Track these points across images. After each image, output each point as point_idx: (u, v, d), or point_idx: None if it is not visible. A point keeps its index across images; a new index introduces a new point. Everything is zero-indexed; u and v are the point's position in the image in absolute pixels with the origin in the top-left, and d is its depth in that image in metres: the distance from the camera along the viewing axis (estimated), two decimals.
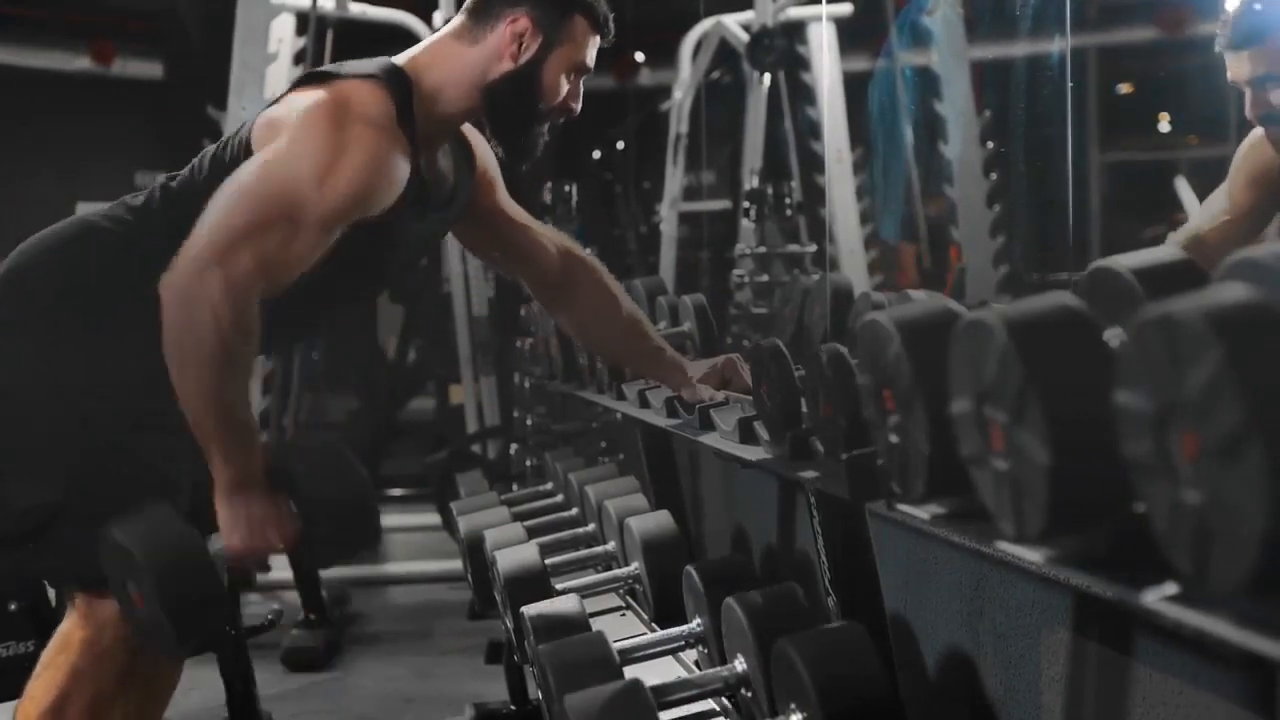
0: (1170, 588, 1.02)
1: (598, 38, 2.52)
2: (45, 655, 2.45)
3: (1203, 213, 2.76)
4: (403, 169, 2.33)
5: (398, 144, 2.32)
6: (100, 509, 2.26)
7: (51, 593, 3.15)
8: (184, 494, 2.45)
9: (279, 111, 2.35)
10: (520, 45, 2.42)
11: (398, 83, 2.37)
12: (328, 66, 2.43)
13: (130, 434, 2.34)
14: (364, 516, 2.36)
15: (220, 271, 2.14)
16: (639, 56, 10.04)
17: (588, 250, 2.91)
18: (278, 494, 2.28)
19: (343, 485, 2.35)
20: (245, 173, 2.26)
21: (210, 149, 2.45)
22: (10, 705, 2.66)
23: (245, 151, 2.35)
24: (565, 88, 2.48)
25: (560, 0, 2.45)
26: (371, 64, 2.40)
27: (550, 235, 2.79)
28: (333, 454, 2.41)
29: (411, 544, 6.96)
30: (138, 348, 2.26)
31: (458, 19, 2.49)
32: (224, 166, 2.35)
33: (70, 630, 2.42)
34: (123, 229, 2.44)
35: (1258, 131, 2.67)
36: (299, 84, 2.38)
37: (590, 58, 2.51)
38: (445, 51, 2.45)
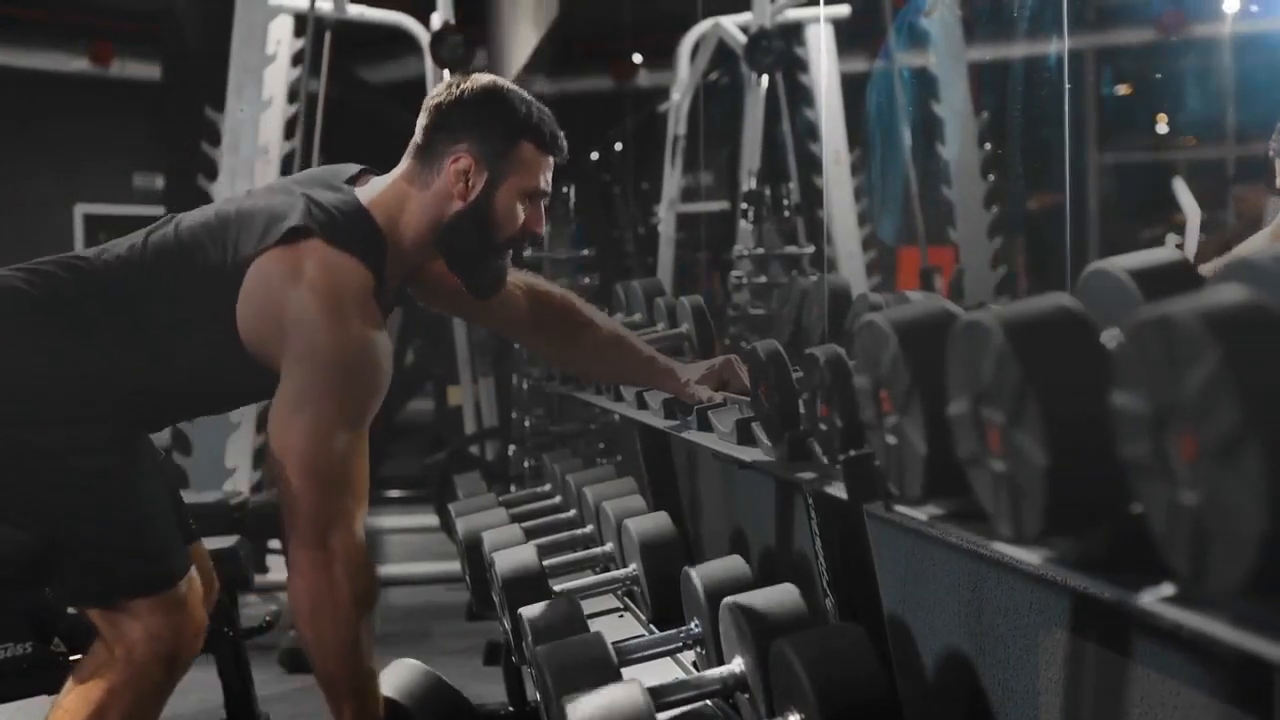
0: (1168, 589, 1.02)
1: (550, 158, 2.49)
2: (77, 673, 2.45)
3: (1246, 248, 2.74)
4: (380, 323, 2.37)
5: (378, 313, 2.36)
6: (84, 533, 2.34)
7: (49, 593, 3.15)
8: (162, 486, 2.48)
9: (271, 296, 2.33)
10: (467, 183, 2.42)
11: (372, 244, 2.39)
12: (311, 224, 2.36)
13: (88, 457, 2.34)
14: None
15: (341, 528, 2.30)
16: (637, 58, 10.04)
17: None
18: None
19: None
20: (297, 439, 2.30)
21: (180, 226, 2.44)
22: (10, 706, 2.66)
23: (239, 272, 2.35)
24: (522, 215, 2.46)
25: (501, 132, 2.43)
26: (347, 223, 2.38)
27: (514, 279, 2.76)
28: (449, 697, 2.53)
29: (409, 545, 6.96)
30: (70, 368, 2.33)
31: (405, 161, 2.48)
32: (206, 275, 2.38)
33: (102, 655, 2.43)
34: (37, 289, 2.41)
35: None
36: (285, 237, 2.35)
37: (544, 180, 2.48)
38: (402, 196, 2.45)
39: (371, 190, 2.46)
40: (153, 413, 2.49)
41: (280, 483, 2.31)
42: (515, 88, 2.49)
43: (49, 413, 2.32)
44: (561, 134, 2.50)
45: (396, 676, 2.83)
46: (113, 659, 2.39)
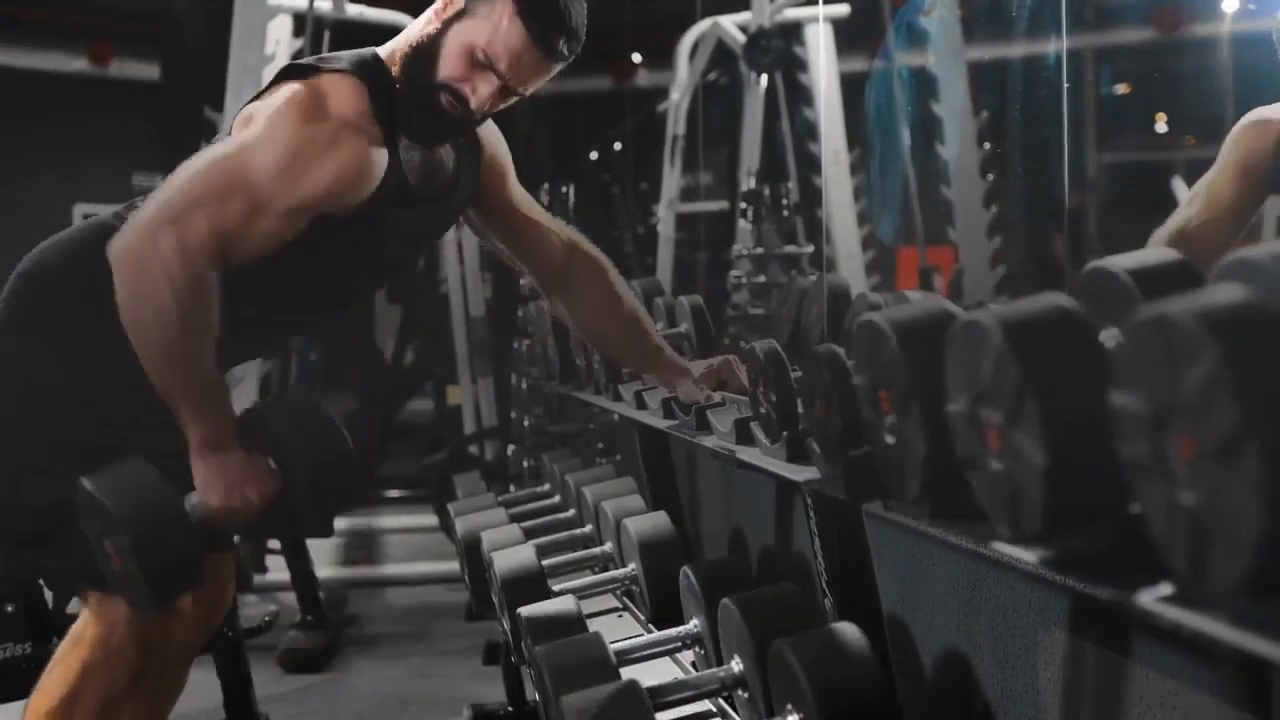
0: (1166, 589, 1.02)
1: (534, 49, 2.29)
2: (58, 652, 2.45)
3: (1186, 207, 2.71)
4: (374, 164, 2.30)
5: (368, 138, 2.28)
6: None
7: (49, 595, 3.15)
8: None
9: (256, 105, 2.33)
10: (445, 5, 2.33)
11: (374, 74, 2.33)
12: (310, 59, 2.37)
13: (141, 432, 2.33)
14: (343, 470, 2.33)
15: (172, 231, 2.14)
16: (636, 58, 10.04)
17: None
18: (255, 452, 2.26)
19: (320, 440, 2.32)
20: (210, 151, 2.27)
21: None
22: (9, 706, 2.67)
23: None
24: (459, 66, 2.29)
25: None
26: (350, 56, 2.36)
27: (558, 229, 2.74)
28: (309, 409, 2.38)
29: (409, 545, 6.96)
30: None
31: None
32: None
33: (82, 627, 2.43)
34: None
35: (1249, 117, 2.64)
36: (280, 76, 2.35)
37: (507, 59, 2.28)
38: (419, 24, 2.39)
39: (392, 42, 2.43)
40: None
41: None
42: None
43: (114, 379, 2.29)
44: (563, 42, 2.30)
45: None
46: (90, 638, 2.39)
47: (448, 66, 2.30)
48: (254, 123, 2.27)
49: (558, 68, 2.36)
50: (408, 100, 2.34)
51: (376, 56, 2.37)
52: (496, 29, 2.27)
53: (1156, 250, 1.45)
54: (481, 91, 2.30)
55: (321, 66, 2.33)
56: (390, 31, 2.49)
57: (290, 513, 2.33)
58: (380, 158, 2.31)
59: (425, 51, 2.32)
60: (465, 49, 2.29)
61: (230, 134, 2.37)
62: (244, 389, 5.80)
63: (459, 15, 2.30)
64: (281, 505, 2.29)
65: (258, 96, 2.36)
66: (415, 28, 2.37)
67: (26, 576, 2.92)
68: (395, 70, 2.35)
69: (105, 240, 2.31)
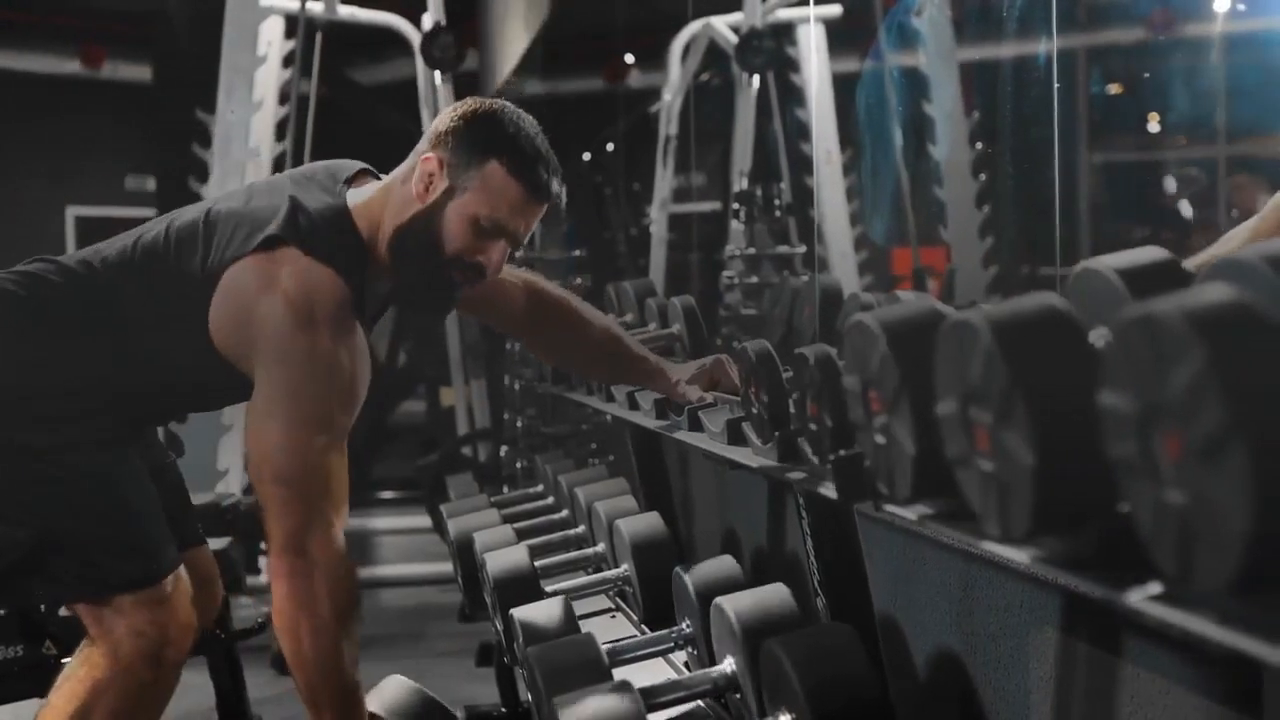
0: (1155, 587, 1.03)
1: (530, 198, 2.35)
2: (67, 668, 2.45)
3: (1226, 243, 2.71)
4: (358, 335, 2.34)
5: (354, 324, 2.32)
6: (71, 528, 2.34)
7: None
8: (149, 484, 2.47)
9: (243, 301, 2.31)
10: (428, 187, 2.35)
11: (351, 252, 2.35)
12: (278, 229, 2.33)
13: (75, 454, 2.34)
14: None
15: (316, 541, 2.24)
16: (628, 58, 10.04)
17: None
18: None
19: None
20: (270, 447, 2.26)
21: (171, 227, 2.43)
22: (2, 709, 2.66)
23: (211, 284, 2.34)
24: (467, 239, 2.35)
25: (474, 144, 2.34)
26: (329, 231, 2.35)
27: (513, 277, 2.74)
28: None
29: (402, 546, 6.95)
30: (80, 374, 2.35)
31: (405, 162, 2.44)
32: (192, 279, 2.36)
33: (89, 647, 2.43)
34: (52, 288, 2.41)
35: None
36: (262, 245, 2.33)
37: (507, 216, 2.34)
38: (386, 196, 2.41)
39: (363, 193, 2.44)
40: (143, 410, 2.49)
41: (258, 492, 2.29)
42: (521, 116, 2.40)
43: (38, 411, 2.33)
44: (552, 181, 2.38)
45: (386, 693, 2.80)
46: (99, 657, 2.39)
47: (455, 242, 2.35)
48: (253, 346, 2.28)
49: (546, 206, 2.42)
50: (408, 278, 2.40)
51: (349, 222, 2.39)
52: (494, 195, 2.33)
53: (1145, 250, 1.45)
54: (494, 257, 2.37)
55: (305, 244, 2.32)
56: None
57: None
58: (358, 325, 2.35)
59: (421, 231, 2.36)
60: (469, 222, 2.34)
61: (217, 279, 2.35)
62: (234, 432, 5.79)
63: (449, 193, 2.35)
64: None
65: (238, 257, 2.33)
66: (392, 207, 2.39)
67: (18, 603, 2.93)
68: (384, 249, 2.38)
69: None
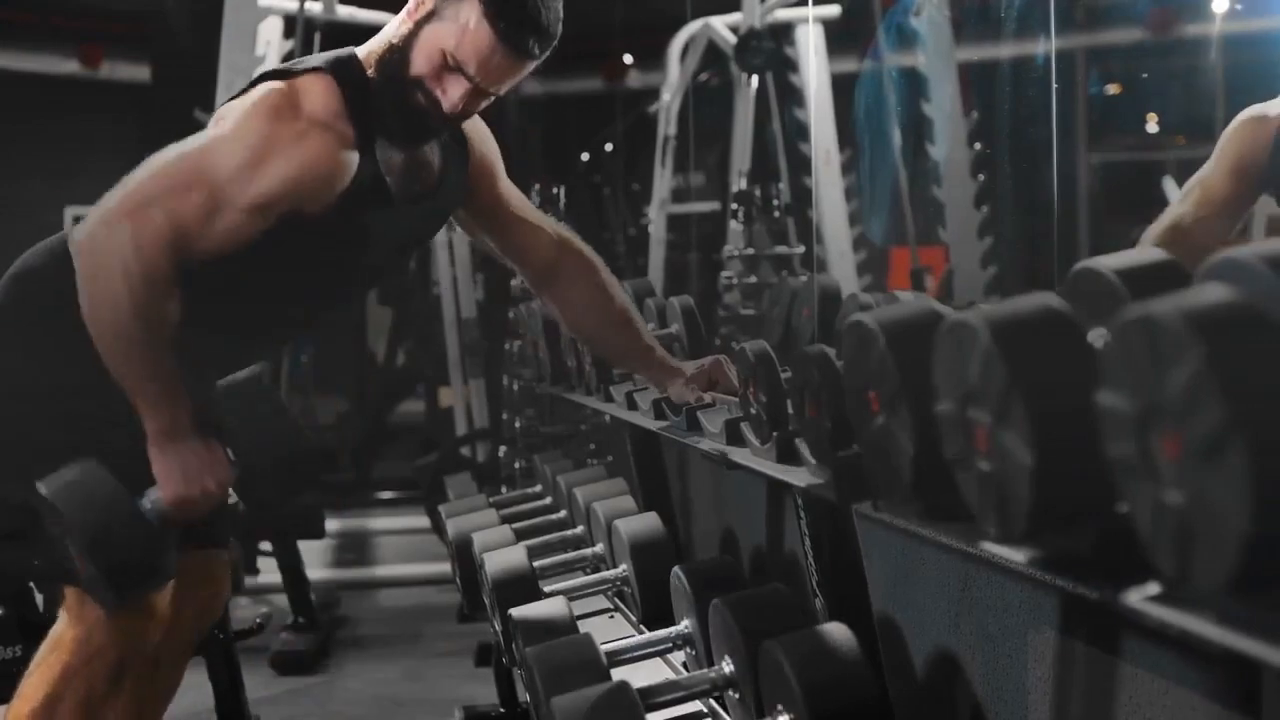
0: (1153, 587, 1.03)
1: (502, 50, 2.27)
2: (38, 654, 2.45)
3: (1179, 204, 2.71)
4: (344, 162, 2.29)
5: (338, 136, 2.29)
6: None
7: (40, 598, 3.15)
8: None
9: (230, 104, 2.34)
10: (417, 5, 2.31)
11: (348, 73, 2.33)
12: (289, 64, 2.38)
13: (114, 433, 2.33)
14: (295, 453, 2.34)
15: (129, 224, 2.18)
16: (627, 59, 10.04)
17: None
18: (212, 441, 2.27)
19: (272, 427, 2.33)
20: (175, 145, 2.28)
21: None
22: (3, 709, 2.66)
23: None
24: (431, 68, 2.29)
25: None
26: (327, 56, 2.36)
27: (549, 226, 2.73)
28: (261, 397, 2.39)
29: (401, 547, 6.96)
30: None
31: None
32: None
33: (62, 629, 2.42)
34: None
35: (1244, 114, 2.63)
36: (258, 79, 2.36)
37: (476, 62, 2.27)
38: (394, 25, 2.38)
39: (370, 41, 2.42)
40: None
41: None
42: None
43: (63, 409, 2.33)
44: (534, 43, 2.29)
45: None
46: (69, 640, 2.39)
47: (419, 67, 2.30)
48: (224, 121, 2.28)
49: (530, 67, 2.35)
50: (382, 100, 2.34)
51: (353, 55, 2.37)
52: (464, 31, 2.26)
53: (1144, 250, 1.45)
54: (452, 93, 2.30)
55: (296, 69, 2.33)
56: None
57: (247, 499, 2.34)
58: (351, 156, 2.31)
59: (399, 51, 2.32)
60: (435, 51, 2.28)
61: None
62: None
63: (429, 16, 2.30)
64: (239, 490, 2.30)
65: (234, 98, 2.36)
66: (391, 28, 2.37)
67: (13, 574, 2.91)
68: (371, 71, 2.35)
69: None
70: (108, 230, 2.19)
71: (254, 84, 2.34)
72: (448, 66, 2.28)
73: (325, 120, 2.28)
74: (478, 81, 2.29)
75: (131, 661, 2.43)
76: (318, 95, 2.29)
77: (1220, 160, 2.64)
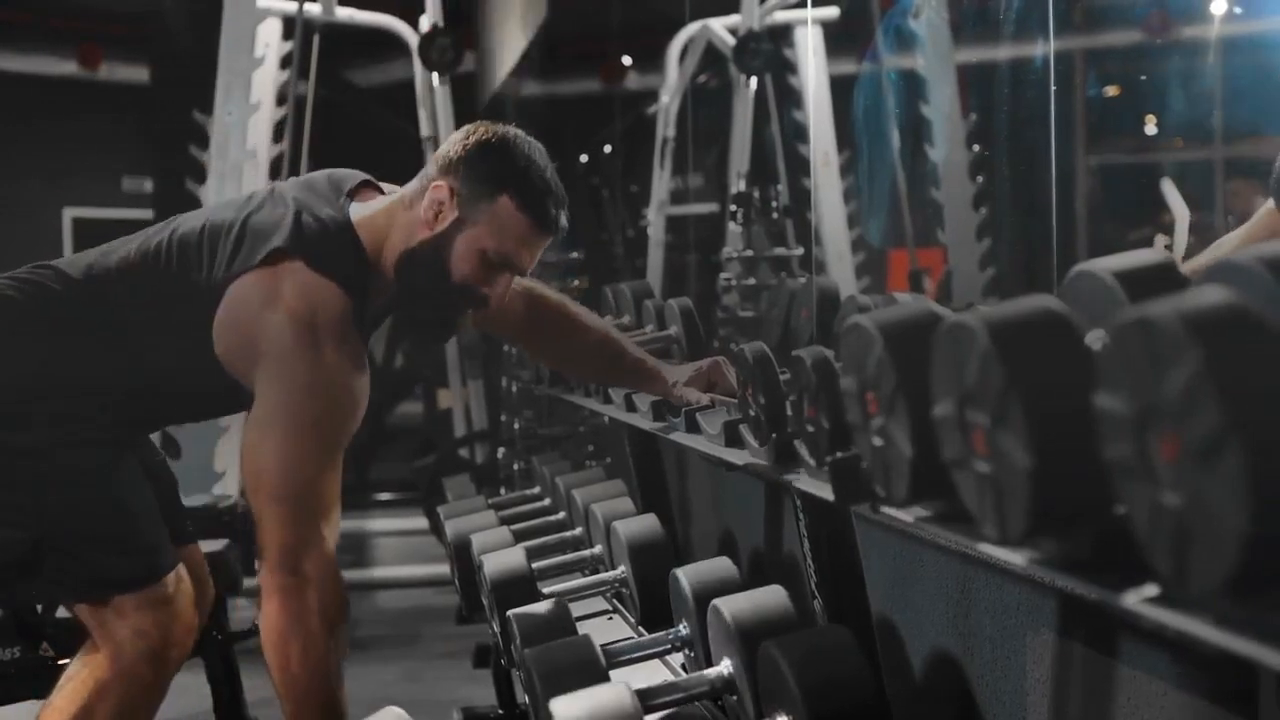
0: (1151, 589, 1.03)
1: (538, 231, 2.38)
2: (69, 669, 2.47)
3: (1218, 249, 2.75)
4: (360, 348, 2.36)
5: (357, 339, 2.34)
6: (71, 528, 2.35)
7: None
8: (148, 485, 2.47)
9: (247, 316, 2.32)
10: (437, 215, 2.36)
11: (354, 267, 2.36)
12: (283, 241, 2.34)
13: (73, 453, 2.34)
14: None
15: (310, 559, 2.26)
16: (626, 60, 10.04)
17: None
18: None
19: None
20: (267, 464, 2.27)
21: (174, 235, 2.43)
22: (3, 710, 2.66)
23: (220, 288, 2.34)
24: (475, 270, 2.37)
25: (486, 176, 2.35)
26: (332, 245, 2.36)
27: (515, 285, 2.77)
28: None
29: (399, 548, 6.96)
30: (90, 374, 2.37)
31: (412, 182, 2.45)
32: (197, 290, 2.37)
33: (91, 649, 2.44)
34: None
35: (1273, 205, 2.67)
36: (266, 258, 2.33)
37: (518, 252, 2.37)
38: (392, 216, 2.41)
39: (367, 208, 2.44)
40: (139, 415, 2.49)
41: (253, 507, 2.29)
42: (531, 146, 2.40)
43: (35, 411, 2.34)
44: (560, 214, 2.40)
45: None
46: (101, 659, 2.40)
47: (462, 271, 2.37)
48: (259, 360, 2.29)
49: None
50: (412, 302, 2.43)
51: (354, 237, 2.39)
52: (503, 229, 2.35)
53: (1142, 252, 1.46)
54: (499, 288, 2.41)
55: (309, 260, 2.33)
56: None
57: None
58: (360, 340, 2.37)
59: (430, 259, 2.37)
60: (478, 254, 2.36)
61: (220, 256, 2.36)
62: (232, 434, 5.78)
63: (458, 224, 2.36)
64: None
65: (242, 268, 2.34)
66: (398, 228, 2.40)
67: (21, 603, 2.93)
68: (391, 272, 2.40)
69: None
70: (297, 592, 2.26)
71: (263, 260, 2.32)
72: (492, 265, 2.37)
73: (344, 334, 2.31)
74: (522, 267, 2.40)
75: (166, 668, 2.44)
76: (332, 309, 2.30)
77: (1248, 239, 2.68)
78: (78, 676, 2.43)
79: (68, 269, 2.43)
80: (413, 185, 2.44)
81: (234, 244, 2.36)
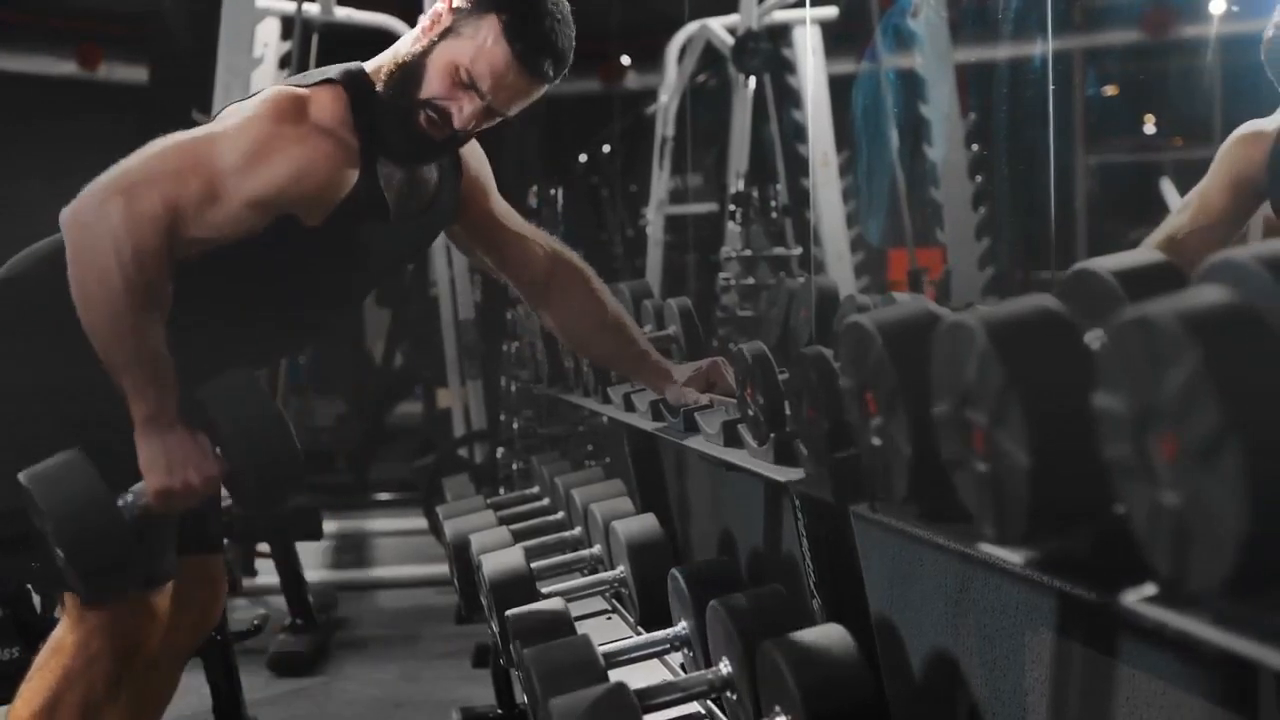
0: (1150, 589, 1.03)
1: (517, 68, 2.29)
2: (38, 659, 2.45)
3: (1178, 215, 2.75)
4: (343, 171, 2.30)
5: (341, 145, 2.29)
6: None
7: (37, 600, 3.15)
8: None
9: (237, 104, 2.35)
10: (432, 24, 2.31)
11: (357, 86, 2.34)
12: (301, 76, 2.39)
13: (106, 435, 2.32)
14: (284, 454, 2.29)
15: (122, 200, 2.16)
16: (625, 60, 10.05)
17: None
18: (199, 433, 2.23)
19: (260, 423, 2.27)
20: (176, 135, 2.27)
21: None
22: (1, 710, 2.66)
23: None
24: (444, 85, 2.29)
25: None
26: (337, 68, 2.37)
27: (540, 240, 2.75)
28: (246, 390, 2.33)
29: (398, 548, 6.96)
30: None
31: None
32: None
33: (62, 634, 2.43)
34: None
35: (1240, 130, 2.66)
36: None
37: (490, 79, 2.28)
38: (399, 45, 2.40)
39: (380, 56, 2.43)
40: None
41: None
42: None
43: (62, 412, 2.33)
44: (549, 64, 2.31)
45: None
46: (70, 645, 2.39)
47: (432, 85, 2.30)
48: (228, 119, 2.29)
49: (542, 89, 2.36)
50: (389, 117, 2.33)
51: (362, 70, 2.38)
52: (481, 49, 2.27)
53: (1141, 252, 1.46)
54: (465, 111, 2.30)
55: (308, 82, 2.34)
56: (378, 35, 2.50)
57: (234, 494, 2.32)
58: (351, 167, 2.31)
59: (411, 69, 2.32)
60: (449, 67, 2.28)
61: None
62: None
63: (446, 32, 2.30)
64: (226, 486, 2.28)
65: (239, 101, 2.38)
66: (403, 44, 2.37)
67: (13, 579, 2.92)
68: (380, 85, 2.35)
69: None
70: (99, 205, 2.17)
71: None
72: (461, 83, 2.29)
73: (330, 128, 2.29)
74: (490, 100, 2.30)
75: (131, 665, 2.43)
76: (325, 104, 2.30)
77: (1217, 174, 2.67)
78: (46, 666, 2.41)
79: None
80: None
81: None
